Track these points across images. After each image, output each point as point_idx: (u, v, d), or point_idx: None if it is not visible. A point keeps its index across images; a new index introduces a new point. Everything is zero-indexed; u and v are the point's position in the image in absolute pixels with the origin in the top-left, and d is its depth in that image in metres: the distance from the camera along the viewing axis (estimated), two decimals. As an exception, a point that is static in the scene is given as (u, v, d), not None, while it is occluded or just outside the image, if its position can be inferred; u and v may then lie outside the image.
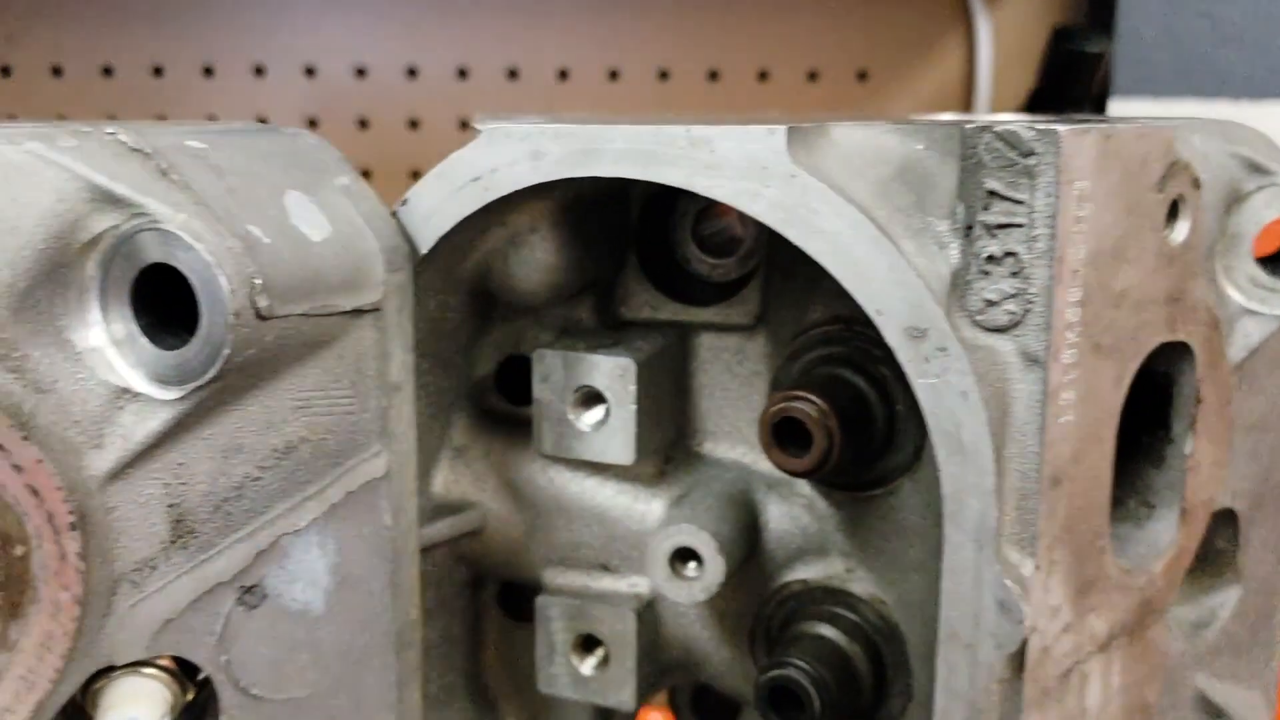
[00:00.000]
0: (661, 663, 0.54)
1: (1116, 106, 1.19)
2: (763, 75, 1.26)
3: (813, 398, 0.46)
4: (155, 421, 0.38)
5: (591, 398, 0.50)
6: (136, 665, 0.41)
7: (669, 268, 0.54)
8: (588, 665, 0.53)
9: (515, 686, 0.60)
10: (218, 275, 0.37)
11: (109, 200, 0.37)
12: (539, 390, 0.51)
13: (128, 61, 1.22)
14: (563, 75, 1.23)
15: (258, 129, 0.44)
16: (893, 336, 0.41)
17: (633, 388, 0.49)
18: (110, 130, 0.39)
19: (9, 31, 1.24)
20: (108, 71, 1.24)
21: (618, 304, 0.54)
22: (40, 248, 0.37)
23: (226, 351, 0.37)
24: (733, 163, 0.41)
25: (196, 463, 0.40)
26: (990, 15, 1.24)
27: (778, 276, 0.52)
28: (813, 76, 1.26)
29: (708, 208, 0.52)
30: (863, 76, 1.27)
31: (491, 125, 0.45)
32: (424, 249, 0.46)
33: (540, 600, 0.54)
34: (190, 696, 0.43)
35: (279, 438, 0.41)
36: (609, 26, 1.24)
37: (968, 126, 0.40)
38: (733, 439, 0.54)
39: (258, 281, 0.38)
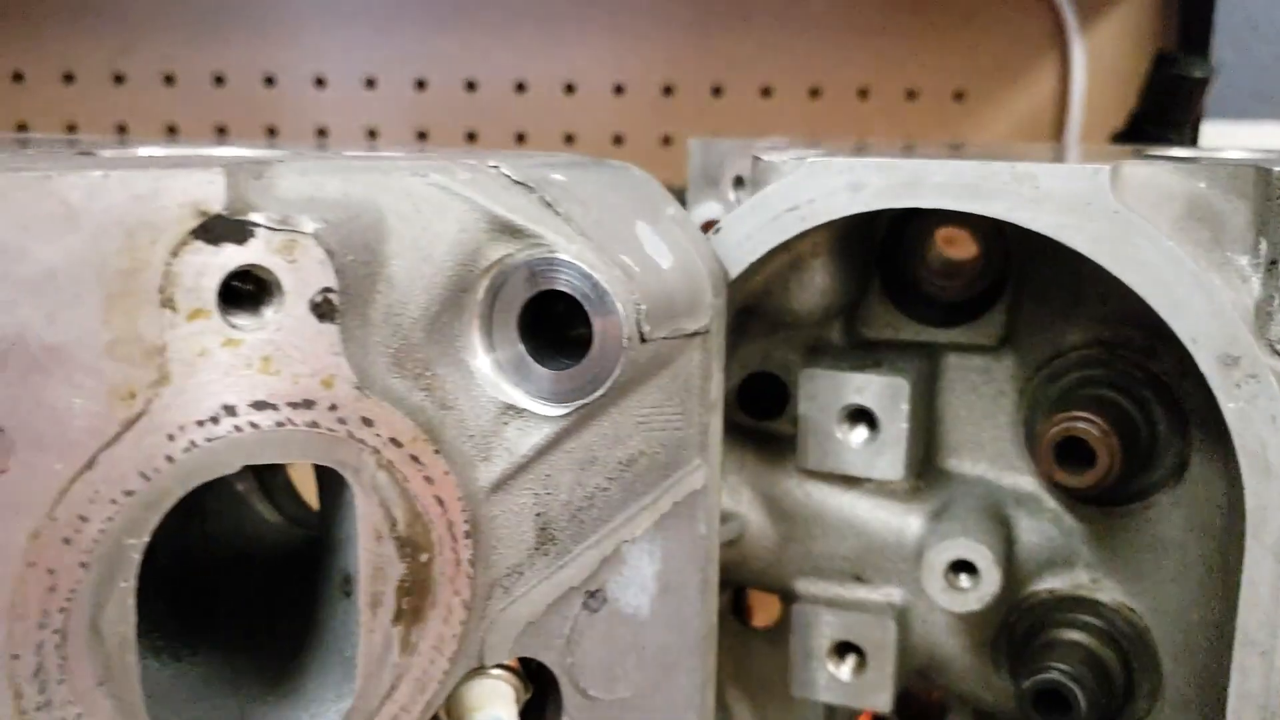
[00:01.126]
0: (905, 668, 0.57)
1: (1209, 130, 1.22)
2: (863, 93, 1.28)
3: (1093, 417, 0.48)
4: (538, 436, 0.41)
5: (858, 415, 0.53)
6: (482, 668, 0.43)
7: (904, 289, 0.57)
8: (844, 670, 0.56)
9: (745, 690, 0.62)
10: (614, 302, 0.39)
11: (506, 230, 0.40)
12: (805, 407, 0.54)
13: (238, 70, 1.24)
14: (667, 91, 1.25)
15: (594, 162, 0.46)
16: (1206, 363, 0.43)
17: (905, 406, 0.52)
18: (493, 164, 0.41)
19: (124, 42, 1.26)
20: (219, 80, 1.26)
21: (860, 324, 0.57)
22: (449, 274, 0.39)
23: (616, 374, 0.40)
24: (1056, 198, 0.44)
25: (560, 474, 0.42)
26: (1085, 39, 1.27)
27: (1028, 301, 0.54)
28: (911, 95, 1.29)
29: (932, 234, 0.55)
30: (959, 97, 1.30)
31: (771, 152, 0.48)
32: (733, 274, 0.48)
33: (798, 609, 0.56)
34: (528, 696, 0.45)
35: (624, 451, 0.44)
36: (711, 45, 1.26)
37: (1263, 168, 0.43)
38: (976, 456, 0.57)
39: (643, 307, 0.40)
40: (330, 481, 0.39)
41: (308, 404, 0.36)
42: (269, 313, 0.35)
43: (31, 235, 0.31)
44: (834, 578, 0.57)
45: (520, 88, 1.23)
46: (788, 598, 0.58)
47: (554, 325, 0.42)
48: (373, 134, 1.25)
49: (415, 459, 0.38)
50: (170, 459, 0.34)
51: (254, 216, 0.34)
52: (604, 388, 0.40)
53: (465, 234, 0.40)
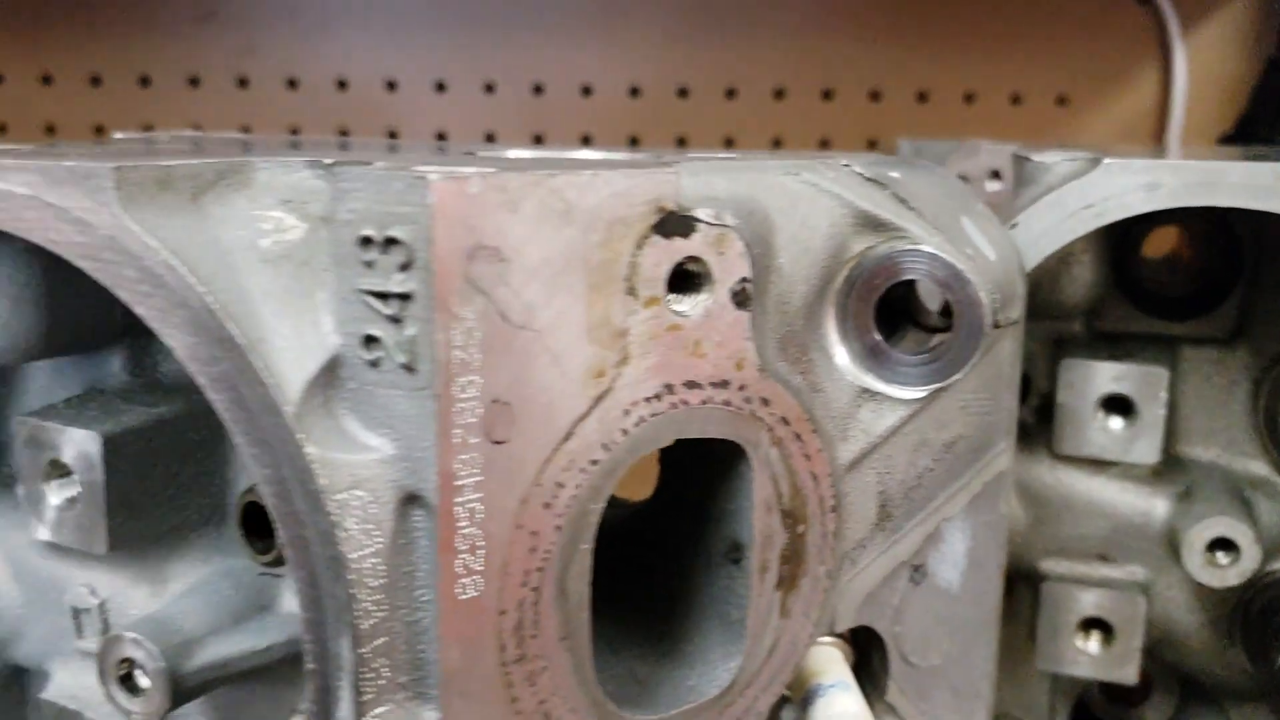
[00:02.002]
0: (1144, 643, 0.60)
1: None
2: (969, 97, 1.31)
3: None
4: (892, 418, 0.44)
5: (1114, 403, 0.56)
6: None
7: (1134, 284, 0.60)
8: (1092, 645, 0.59)
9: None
10: (978, 291, 0.42)
11: (869, 224, 0.43)
12: (1063, 395, 0.57)
13: (360, 75, 1.26)
14: (779, 94, 1.28)
15: (907, 162, 0.49)
16: None
17: (1163, 394, 0.55)
18: (845, 162, 0.44)
19: (249, 43, 1.28)
20: (342, 84, 1.29)
21: (1096, 318, 0.60)
22: (822, 266, 0.42)
23: (974, 359, 0.43)
24: (1357, 198, 0.47)
25: (898, 455, 0.45)
26: (1186, 44, 1.30)
27: (1264, 295, 0.58)
28: (1016, 100, 1.32)
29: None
30: (1062, 101, 1.32)
31: (1037, 154, 0.51)
32: (1028, 268, 0.51)
33: (1047, 587, 0.59)
34: (851, 663, 0.48)
35: (948, 434, 0.47)
36: (823, 49, 1.29)
37: None
38: (1209, 442, 0.60)
39: (997, 296, 0.43)
40: (717, 459, 0.42)
41: (724, 384, 0.39)
42: (702, 300, 0.38)
43: (537, 228, 0.34)
44: (1081, 558, 0.59)
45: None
46: (1032, 578, 0.61)
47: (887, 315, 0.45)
48: (442, 136, 1.28)
49: (799, 437, 0.42)
50: (625, 432, 0.37)
51: (698, 212, 0.37)
52: (962, 372, 0.43)
53: (835, 228, 0.43)
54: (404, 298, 0.33)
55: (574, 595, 0.37)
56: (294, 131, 1.30)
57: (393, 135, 1.30)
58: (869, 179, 0.44)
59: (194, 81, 1.26)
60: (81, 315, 0.44)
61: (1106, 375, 0.56)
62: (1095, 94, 1.33)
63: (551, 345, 0.34)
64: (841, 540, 0.44)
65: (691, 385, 0.38)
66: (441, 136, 1.26)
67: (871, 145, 1.26)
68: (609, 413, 0.36)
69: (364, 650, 0.33)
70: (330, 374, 0.34)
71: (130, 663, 0.41)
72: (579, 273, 0.35)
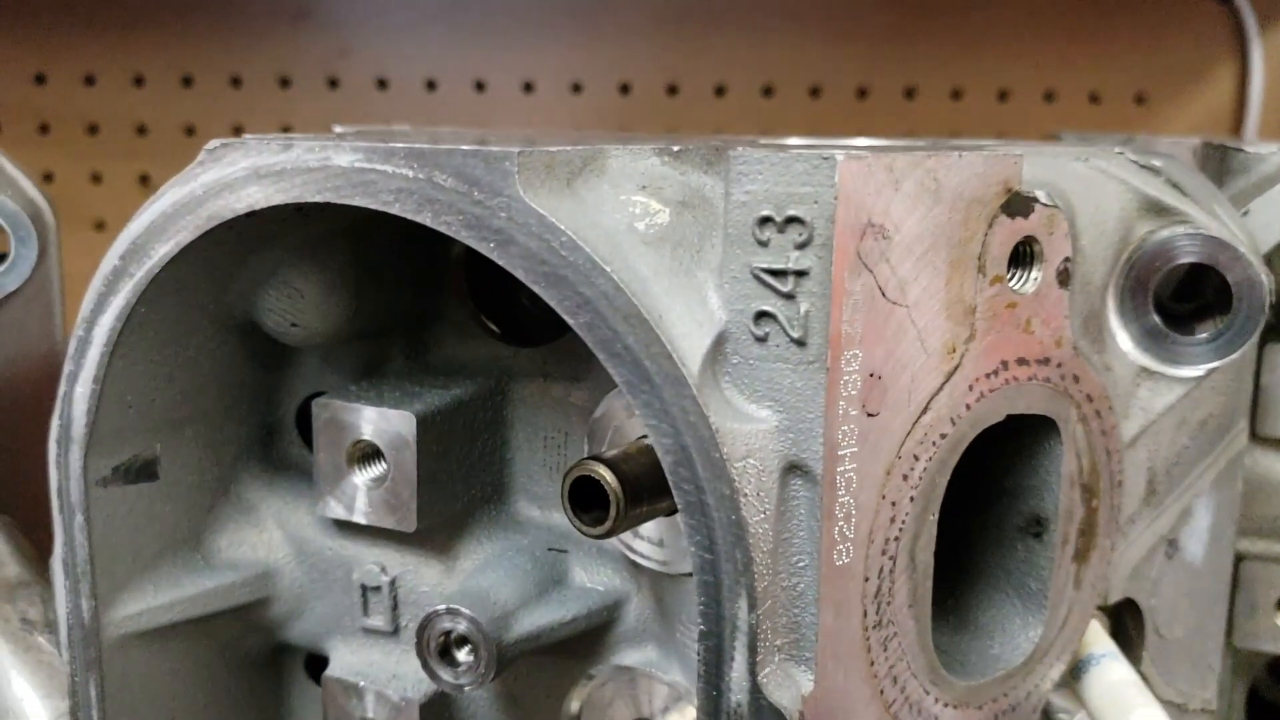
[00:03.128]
0: (1338, 620, 0.62)
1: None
2: (1049, 96, 1.33)
3: None
4: (1171, 396, 0.46)
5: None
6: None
7: None
8: (1292, 621, 0.60)
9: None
10: (1258, 274, 0.44)
11: (1152, 209, 0.44)
12: (1267, 378, 0.58)
13: (452, 75, 1.28)
14: (862, 93, 1.30)
15: (1153, 149, 0.51)
16: None
17: (1372, 376, 0.56)
18: (1118, 150, 0.46)
19: (342, 45, 1.29)
20: (431, 85, 1.30)
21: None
22: (1115, 248, 0.44)
23: (1254, 337, 0.45)
24: None
25: (1164, 433, 0.47)
26: (1264, 41, 1.32)
27: None
28: (1094, 99, 1.34)
29: None
30: (1140, 100, 1.34)
31: (1248, 145, 0.52)
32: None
33: (1246, 565, 0.61)
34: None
35: (1201, 413, 0.48)
36: (904, 48, 1.31)
37: None
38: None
39: (1268, 278, 0.45)
40: (1019, 434, 0.43)
41: (1046, 361, 0.41)
42: (1034, 278, 0.40)
43: (914, 207, 0.35)
44: (1277, 538, 0.61)
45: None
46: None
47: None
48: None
49: (1099, 414, 0.43)
50: (968, 407, 0.38)
51: (1036, 193, 0.39)
52: (1240, 351, 0.45)
53: (1124, 212, 0.44)
54: (800, 274, 0.34)
55: (921, 564, 0.38)
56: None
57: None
58: (1143, 166, 0.46)
59: (285, 82, 1.27)
60: (379, 302, 0.46)
61: (1311, 358, 0.57)
62: (1172, 92, 1.35)
63: (918, 320, 0.36)
64: (1120, 515, 0.46)
65: (1022, 362, 0.39)
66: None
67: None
68: (957, 388, 0.37)
69: (759, 612, 0.34)
70: (717, 349, 0.35)
71: (448, 635, 0.43)
72: (943, 250, 0.36)
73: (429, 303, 0.49)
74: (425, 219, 0.36)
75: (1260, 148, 0.55)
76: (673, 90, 1.27)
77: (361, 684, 0.46)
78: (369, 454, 0.45)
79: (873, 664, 0.37)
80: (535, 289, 0.35)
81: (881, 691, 0.38)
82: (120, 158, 1.30)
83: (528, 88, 1.29)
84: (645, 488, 0.39)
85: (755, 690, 0.35)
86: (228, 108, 1.28)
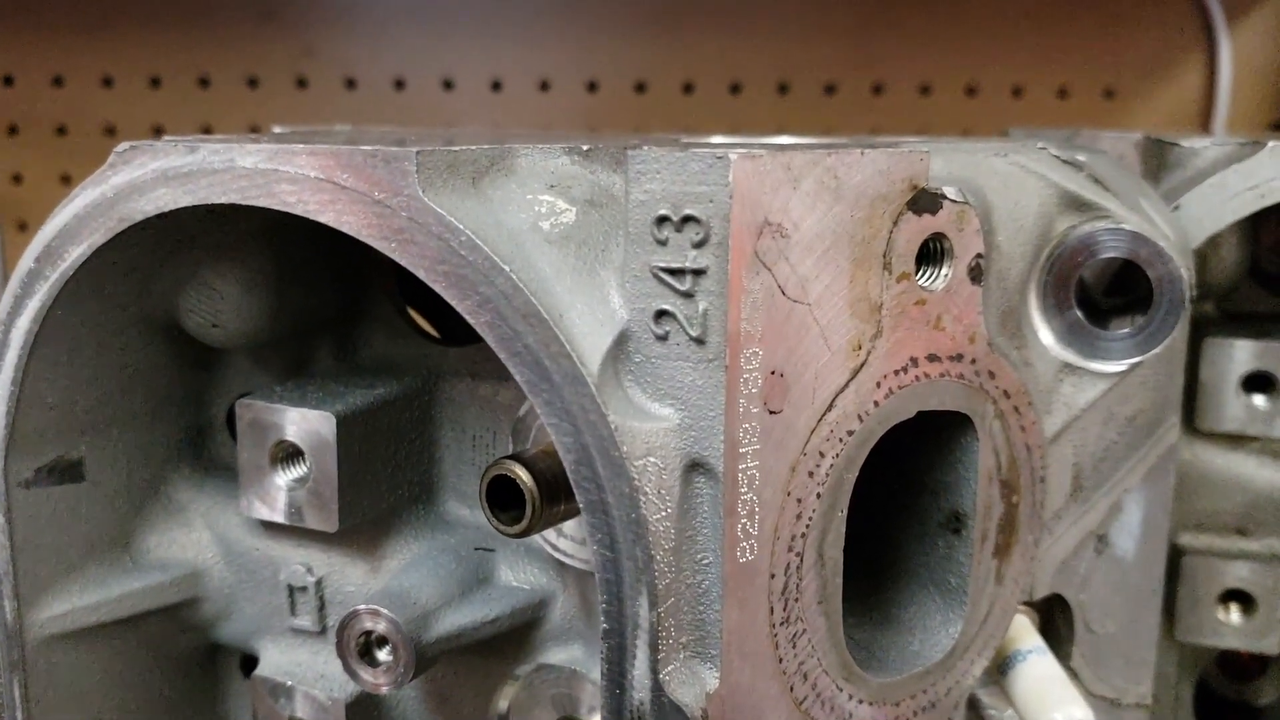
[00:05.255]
0: (1279, 614, 0.62)
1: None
2: (1016, 91, 1.33)
3: None
4: (1093, 392, 0.46)
5: (1254, 380, 0.58)
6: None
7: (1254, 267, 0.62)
8: (1234, 616, 0.60)
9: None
10: (1179, 268, 0.44)
11: (1073, 204, 0.45)
12: (1205, 373, 0.59)
13: (420, 74, 1.27)
14: (830, 90, 1.29)
15: (1082, 146, 0.51)
16: None
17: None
18: (1041, 145, 0.46)
19: (309, 45, 1.29)
20: (399, 84, 1.29)
21: (1225, 299, 0.62)
22: (1034, 245, 0.44)
23: (1175, 332, 0.45)
24: None
25: (1090, 428, 0.47)
26: (1231, 36, 1.32)
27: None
28: (1063, 94, 1.34)
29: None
30: (1109, 94, 1.34)
31: (1184, 140, 0.53)
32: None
33: (1187, 560, 0.61)
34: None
35: (1129, 408, 0.48)
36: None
37: None
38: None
39: (1190, 272, 0.45)
40: (935, 431, 0.43)
41: (959, 358, 0.41)
42: (943, 275, 0.40)
43: (813, 205, 0.35)
44: (1216, 532, 0.61)
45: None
46: (1169, 552, 0.62)
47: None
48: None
49: (1017, 410, 0.43)
50: (876, 404, 0.38)
51: (944, 190, 0.39)
52: (1162, 345, 0.45)
53: (1044, 208, 0.44)
54: (698, 273, 0.34)
55: (830, 561, 0.38)
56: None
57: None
58: (1065, 161, 0.46)
59: (253, 82, 1.27)
60: (303, 302, 0.46)
61: (1249, 353, 0.58)
62: (1141, 86, 1.35)
63: (820, 318, 0.36)
64: (1043, 511, 0.46)
65: (932, 359, 0.40)
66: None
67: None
68: (864, 385, 0.38)
69: (660, 610, 0.35)
70: (619, 348, 0.35)
71: (368, 635, 0.43)
72: (845, 248, 0.36)
73: (356, 301, 0.49)
74: (327, 219, 0.36)
75: (1195, 142, 0.55)
76: (640, 88, 1.27)
77: (289, 683, 0.47)
78: (291, 454, 0.45)
79: (781, 661, 0.37)
80: (435, 288, 0.35)
81: (791, 688, 0.38)
82: (88, 159, 1.30)
83: (496, 86, 1.29)
84: (562, 486, 0.39)
85: (657, 688, 0.35)
86: (196, 108, 1.28)
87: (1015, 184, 0.44)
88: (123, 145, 0.39)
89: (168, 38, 1.27)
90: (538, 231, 0.36)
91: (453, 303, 0.35)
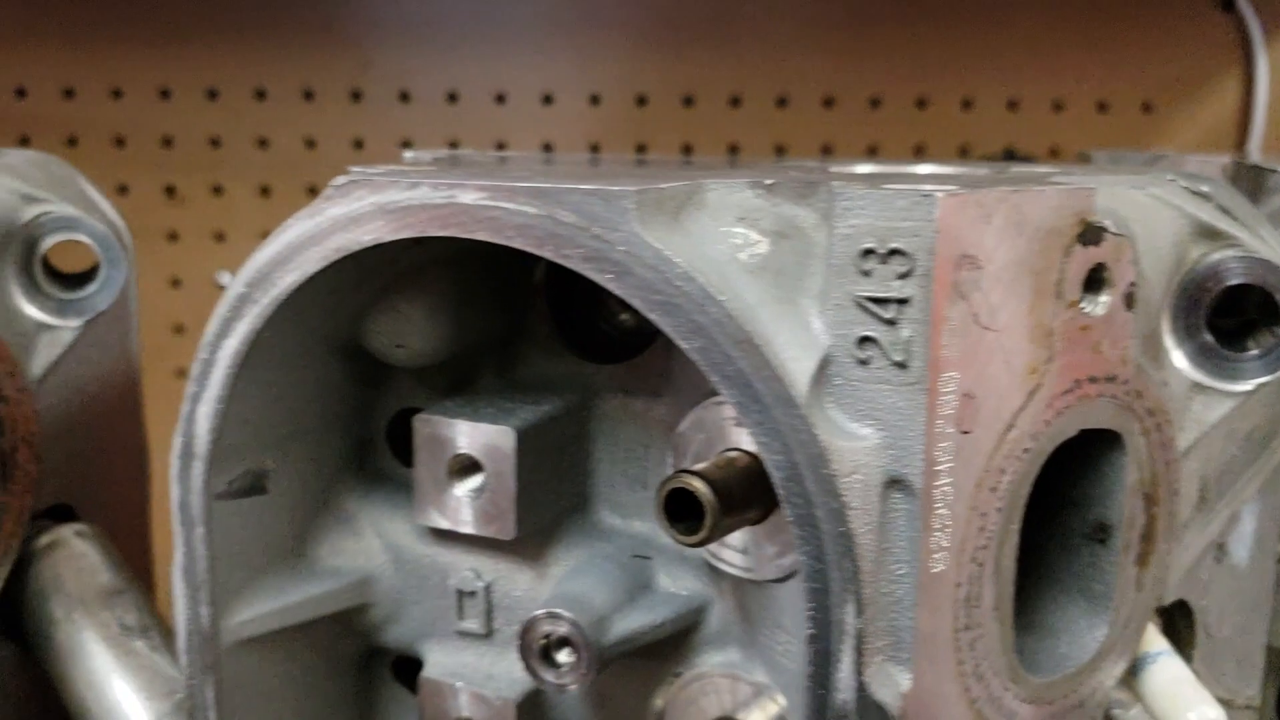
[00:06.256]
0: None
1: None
2: (1057, 106, 1.36)
3: None
4: (1222, 409, 0.49)
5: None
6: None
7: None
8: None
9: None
10: (1305, 293, 0.47)
11: (1205, 234, 0.47)
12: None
13: (473, 88, 1.30)
14: (875, 103, 1.32)
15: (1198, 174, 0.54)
16: None
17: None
18: (1170, 177, 0.49)
19: (365, 59, 1.31)
20: (453, 98, 1.32)
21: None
22: (1170, 272, 0.47)
23: (1297, 354, 0.47)
24: None
25: (1215, 444, 0.50)
26: (1269, 52, 1.35)
27: None
28: (1102, 108, 1.37)
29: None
30: (1147, 109, 1.37)
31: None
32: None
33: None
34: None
35: (1248, 423, 0.51)
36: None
37: None
38: None
39: (1315, 298, 0.48)
40: (1084, 447, 0.46)
41: (1113, 379, 0.43)
42: (1103, 303, 0.42)
43: (1001, 239, 0.38)
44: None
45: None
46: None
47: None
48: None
49: (1159, 427, 0.46)
50: (1047, 423, 0.41)
51: (1106, 223, 0.41)
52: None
53: (1178, 237, 0.47)
54: (901, 302, 0.37)
55: (1004, 570, 0.41)
56: (405, 145, 1.33)
57: (501, 146, 1.34)
58: (1194, 192, 0.49)
59: (308, 95, 1.29)
60: (474, 324, 0.48)
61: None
62: (1179, 101, 1.38)
63: (1005, 344, 0.39)
64: (1174, 521, 0.49)
65: (1092, 380, 0.42)
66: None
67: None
68: (1038, 405, 0.40)
69: (865, 616, 0.37)
70: (821, 371, 0.38)
71: (550, 637, 0.45)
72: (1027, 278, 0.39)
73: (514, 323, 0.52)
74: (547, 253, 0.39)
75: (1287, 166, 0.58)
76: (688, 102, 1.29)
77: (458, 684, 0.49)
78: (468, 466, 0.47)
79: (961, 663, 0.40)
80: (650, 317, 0.38)
81: (968, 689, 0.41)
82: (145, 170, 1.32)
83: (547, 100, 1.31)
84: (735, 498, 0.41)
85: (861, 689, 0.38)
86: (252, 120, 1.30)
87: (1153, 215, 0.46)
88: (340, 179, 0.41)
89: (225, 51, 1.29)
90: (737, 262, 0.39)
91: (667, 330, 0.37)
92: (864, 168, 0.50)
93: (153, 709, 0.53)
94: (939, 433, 0.37)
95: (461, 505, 0.47)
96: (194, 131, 1.28)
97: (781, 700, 0.47)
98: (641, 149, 1.30)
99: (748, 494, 0.43)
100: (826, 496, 0.37)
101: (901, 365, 0.37)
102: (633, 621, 0.47)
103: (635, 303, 0.38)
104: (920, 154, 1.34)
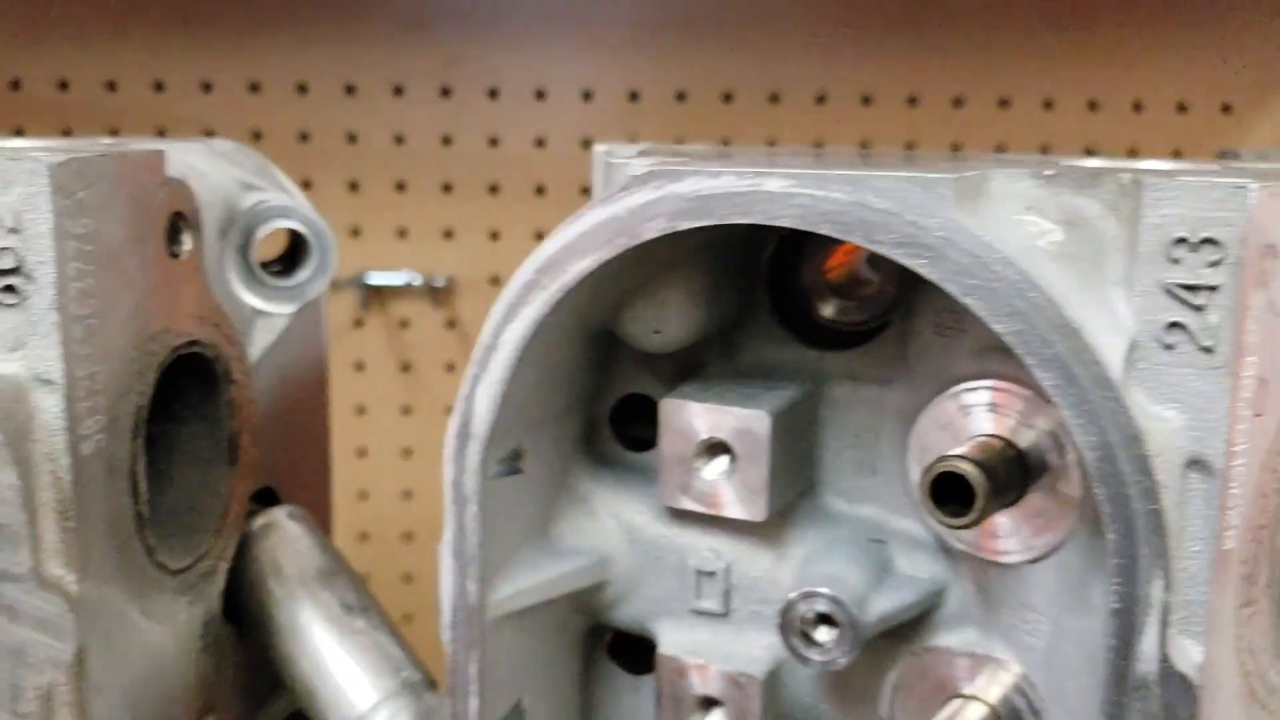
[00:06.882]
0: None
1: None
2: (1137, 106, 1.37)
3: None
4: None
5: None
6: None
7: None
8: None
9: None
10: None
11: None
12: None
13: (560, 84, 1.31)
14: (958, 103, 1.34)
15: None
16: None
17: None
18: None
19: (453, 54, 1.33)
20: (540, 95, 1.33)
21: None
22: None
23: None
24: None
25: None
26: (1345, 53, 1.37)
27: None
28: (1182, 108, 1.38)
29: None
30: (1227, 109, 1.39)
31: None
32: None
33: None
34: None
35: None
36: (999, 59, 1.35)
37: None
38: None
39: None
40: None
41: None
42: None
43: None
44: None
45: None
46: None
47: None
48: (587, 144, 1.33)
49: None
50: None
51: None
52: None
53: None
54: (1211, 289, 0.38)
55: (1276, 549, 0.43)
56: (493, 142, 1.34)
57: (586, 144, 1.35)
58: None
59: (398, 90, 1.30)
60: (717, 312, 0.50)
61: None
62: (1258, 101, 1.40)
63: (1296, 329, 0.40)
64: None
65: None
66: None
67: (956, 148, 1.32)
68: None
69: (1169, 591, 0.39)
70: (1128, 355, 0.39)
71: (814, 616, 0.47)
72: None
73: (739, 310, 0.53)
74: (855, 239, 0.40)
75: None
76: (774, 99, 1.31)
77: (701, 661, 0.50)
78: (715, 449, 0.49)
79: (1240, 638, 0.42)
80: (964, 301, 0.39)
81: (1243, 663, 0.42)
82: (241, 163, 1.33)
83: (633, 97, 1.33)
84: (999, 482, 0.43)
85: (1164, 660, 0.39)
86: (341, 115, 1.31)
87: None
88: (640, 169, 0.43)
89: (314, 45, 1.30)
90: (1036, 250, 0.40)
91: (981, 314, 0.39)
92: (1091, 163, 0.51)
93: (380, 687, 0.55)
94: (1239, 415, 0.39)
95: (711, 488, 0.49)
96: (282, 126, 1.29)
97: (1017, 675, 0.49)
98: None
99: (1007, 478, 0.45)
100: (1140, 475, 0.38)
101: (1208, 350, 0.38)
102: (886, 602, 0.48)
103: (949, 287, 0.39)
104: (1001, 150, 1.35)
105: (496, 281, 1.34)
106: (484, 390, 0.46)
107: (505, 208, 1.32)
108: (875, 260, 0.48)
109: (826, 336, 0.53)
